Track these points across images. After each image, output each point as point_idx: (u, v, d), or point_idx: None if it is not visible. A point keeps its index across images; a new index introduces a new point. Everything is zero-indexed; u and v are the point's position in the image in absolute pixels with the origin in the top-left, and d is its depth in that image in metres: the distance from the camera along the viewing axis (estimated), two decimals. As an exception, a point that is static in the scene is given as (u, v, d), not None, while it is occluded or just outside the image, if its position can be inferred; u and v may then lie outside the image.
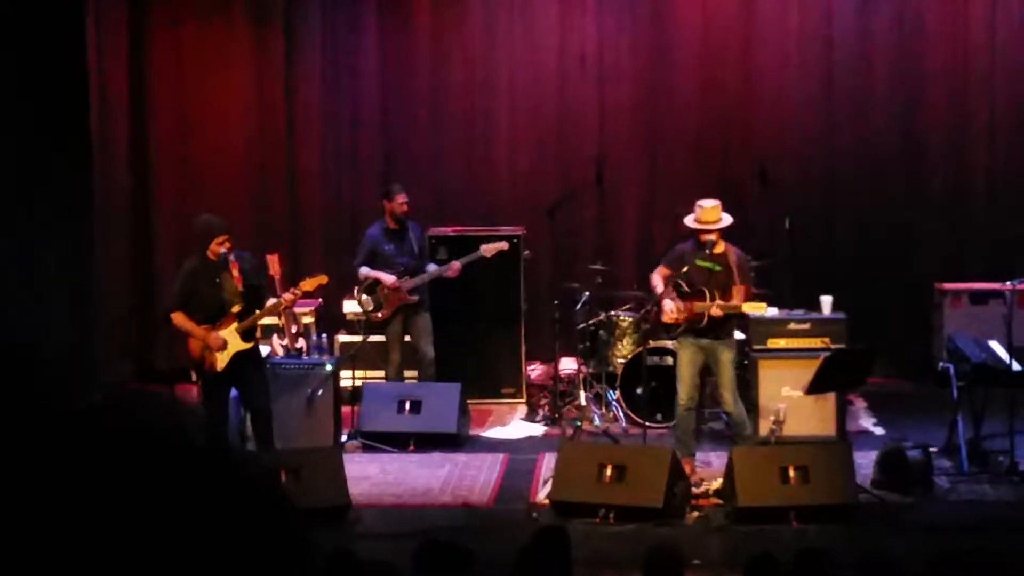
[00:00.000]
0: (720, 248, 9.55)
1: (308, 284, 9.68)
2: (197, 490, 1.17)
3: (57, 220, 12.05)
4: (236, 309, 9.37)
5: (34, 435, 1.16)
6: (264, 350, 10.32)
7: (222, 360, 9.37)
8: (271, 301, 9.53)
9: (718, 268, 9.55)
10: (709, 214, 9.53)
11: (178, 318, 9.45)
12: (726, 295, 9.48)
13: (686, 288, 9.58)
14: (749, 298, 9.52)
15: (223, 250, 9.29)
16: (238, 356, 9.39)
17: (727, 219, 9.60)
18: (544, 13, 13.12)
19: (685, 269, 9.55)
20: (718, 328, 9.57)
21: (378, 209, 11.52)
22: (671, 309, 9.57)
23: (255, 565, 1.19)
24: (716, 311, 9.48)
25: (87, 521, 1.12)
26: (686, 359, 9.67)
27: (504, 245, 11.35)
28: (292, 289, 9.51)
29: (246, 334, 9.42)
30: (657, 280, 9.74)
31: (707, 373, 9.95)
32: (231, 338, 9.38)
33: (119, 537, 1.12)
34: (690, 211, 9.71)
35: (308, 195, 13.37)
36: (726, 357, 9.62)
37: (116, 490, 1.13)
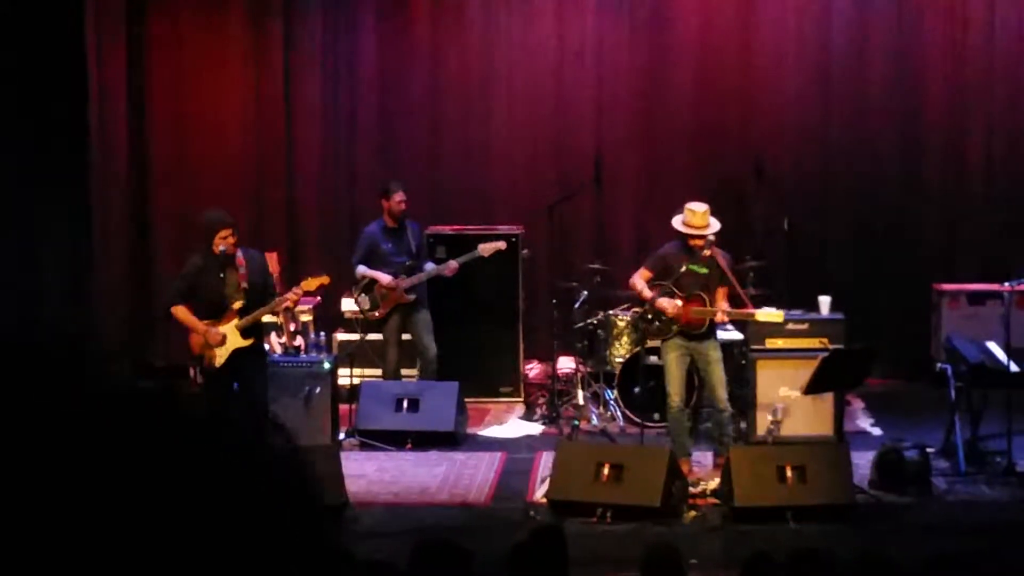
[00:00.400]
0: (708, 251, 9.50)
1: (310, 284, 9.66)
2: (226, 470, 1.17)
3: (56, 219, 12.05)
4: (237, 306, 9.38)
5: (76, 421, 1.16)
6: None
7: (221, 356, 9.38)
8: (286, 295, 9.52)
9: (705, 271, 9.50)
10: (700, 219, 9.46)
11: (179, 312, 9.47)
12: (714, 297, 9.47)
13: (678, 292, 9.53)
14: (737, 302, 9.50)
15: (224, 246, 9.27)
16: (238, 353, 9.39)
17: (716, 224, 9.51)
18: (542, 11, 13.12)
19: (684, 269, 9.50)
20: (707, 328, 9.55)
21: (376, 207, 11.51)
22: (672, 304, 9.49)
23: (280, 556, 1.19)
24: (722, 317, 9.46)
25: (114, 501, 1.12)
26: (674, 361, 9.60)
27: (502, 245, 11.34)
28: (294, 289, 9.49)
29: (246, 331, 9.41)
30: (641, 284, 9.62)
31: (695, 373, 9.93)
32: (231, 334, 9.38)
33: (145, 518, 1.12)
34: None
35: (306, 193, 13.37)
36: (716, 355, 9.59)
37: (152, 474, 1.13)
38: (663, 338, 9.64)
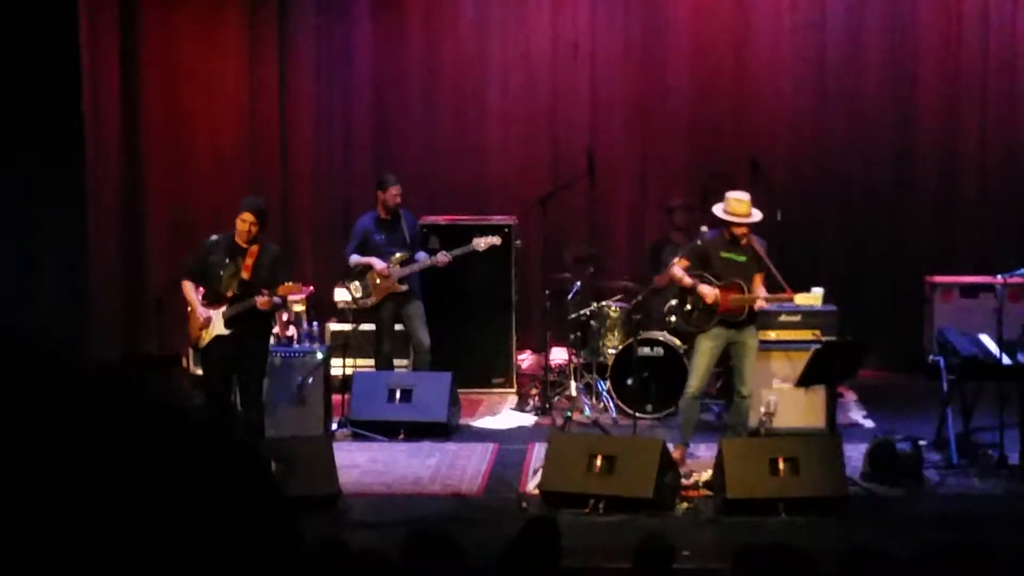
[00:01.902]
0: (745, 240, 9.53)
1: (284, 289, 9.59)
2: (189, 464, 1.17)
3: (51, 211, 12.03)
4: (230, 294, 9.41)
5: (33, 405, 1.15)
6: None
7: (204, 339, 9.50)
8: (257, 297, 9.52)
9: (743, 259, 9.52)
10: (743, 207, 9.46)
11: (184, 287, 9.69)
12: (751, 285, 9.49)
13: (717, 281, 9.52)
14: (774, 286, 9.51)
15: (246, 232, 9.35)
16: (221, 340, 9.43)
17: (758, 214, 9.54)
18: (536, 4, 13.11)
19: (723, 258, 9.46)
20: (747, 316, 9.56)
21: (371, 198, 11.50)
22: (712, 292, 9.48)
23: (242, 548, 1.19)
24: (761, 303, 9.47)
25: (76, 493, 1.11)
26: (707, 349, 9.56)
27: (496, 240, 11.34)
28: (264, 291, 9.47)
29: (230, 321, 9.43)
30: (681, 272, 9.59)
31: (725, 360, 9.91)
32: (216, 320, 9.43)
33: (107, 511, 1.11)
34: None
35: (300, 187, 13.36)
36: (754, 343, 9.63)
37: (109, 463, 1.12)
38: (703, 328, 9.59)
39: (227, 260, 9.44)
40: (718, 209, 9.56)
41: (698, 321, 9.61)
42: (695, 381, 9.58)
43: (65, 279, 12.19)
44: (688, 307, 9.63)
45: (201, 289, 9.69)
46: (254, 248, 9.44)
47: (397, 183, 11.27)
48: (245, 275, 9.41)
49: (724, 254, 9.52)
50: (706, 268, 9.54)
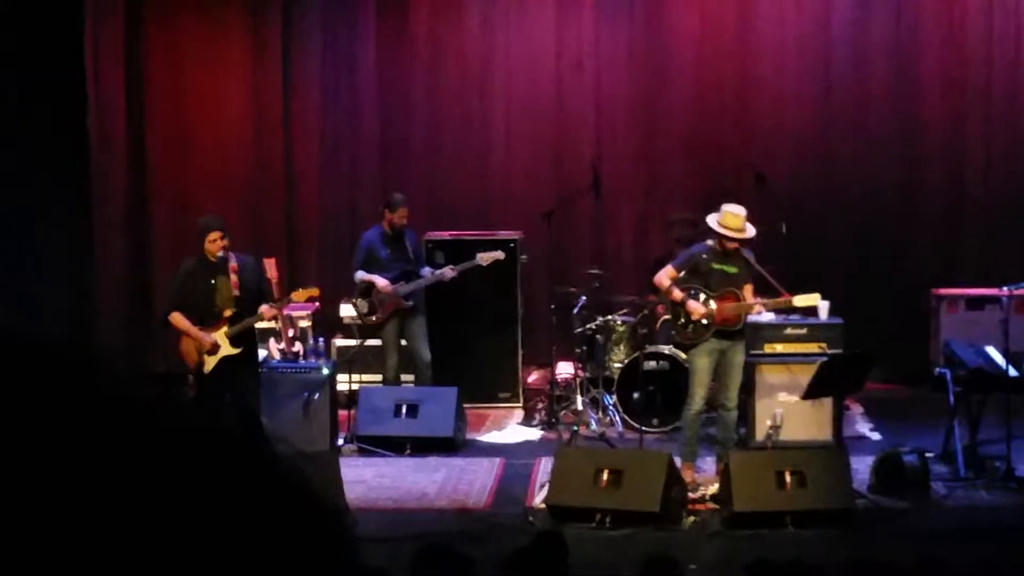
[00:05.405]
0: (735, 251, 9.52)
1: (299, 295, 9.63)
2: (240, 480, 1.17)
3: (56, 225, 12.06)
4: (228, 313, 9.39)
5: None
6: (261, 354, 10.33)
7: (210, 363, 9.42)
8: (263, 308, 9.52)
9: (734, 269, 9.50)
10: (738, 221, 9.42)
11: (176, 318, 9.52)
12: (743, 294, 9.48)
13: (710, 291, 9.51)
14: (770, 292, 9.50)
15: (219, 249, 9.31)
16: (228, 360, 9.41)
17: (752, 230, 9.51)
18: (541, 17, 13.14)
19: (714, 268, 9.44)
20: (742, 325, 9.56)
21: (376, 214, 11.52)
22: (701, 308, 9.45)
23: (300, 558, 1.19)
24: (759, 308, 9.46)
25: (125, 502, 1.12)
26: (706, 364, 9.53)
27: (500, 255, 11.34)
28: (271, 304, 9.48)
29: (235, 339, 9.43)
30: (669, 283, 9.57)
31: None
32: (221, 341, 9.41)
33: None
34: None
35: (305, 199, 13.38)
36: (741, 358, 9.59)
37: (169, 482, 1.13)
38: (699, 340, 9.56)
39: (211, 281, 9.41)
40: (712, 220, 9.52)
41: (694, 334, 9.58)
42: (699, 398, 9.56)
43: (71, 298, 12.21)
44: (682, 320, 9.61)
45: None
46: (233, 264, 9.42)
47: (406, 205, 11.26)
48: (236, 291, 9.42)
49: (716, 265, 9.50)
50: (698, 279, 9.53)
